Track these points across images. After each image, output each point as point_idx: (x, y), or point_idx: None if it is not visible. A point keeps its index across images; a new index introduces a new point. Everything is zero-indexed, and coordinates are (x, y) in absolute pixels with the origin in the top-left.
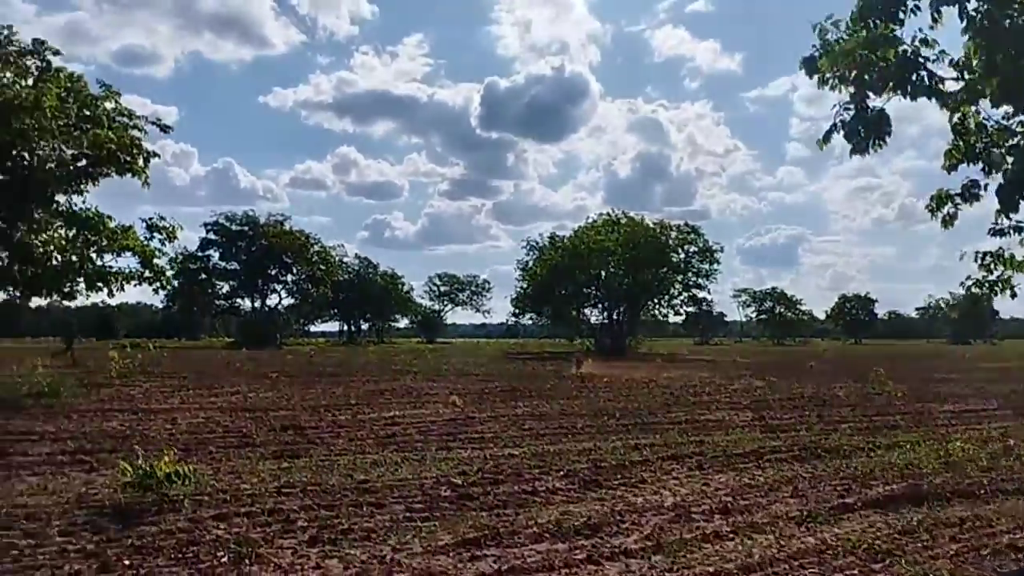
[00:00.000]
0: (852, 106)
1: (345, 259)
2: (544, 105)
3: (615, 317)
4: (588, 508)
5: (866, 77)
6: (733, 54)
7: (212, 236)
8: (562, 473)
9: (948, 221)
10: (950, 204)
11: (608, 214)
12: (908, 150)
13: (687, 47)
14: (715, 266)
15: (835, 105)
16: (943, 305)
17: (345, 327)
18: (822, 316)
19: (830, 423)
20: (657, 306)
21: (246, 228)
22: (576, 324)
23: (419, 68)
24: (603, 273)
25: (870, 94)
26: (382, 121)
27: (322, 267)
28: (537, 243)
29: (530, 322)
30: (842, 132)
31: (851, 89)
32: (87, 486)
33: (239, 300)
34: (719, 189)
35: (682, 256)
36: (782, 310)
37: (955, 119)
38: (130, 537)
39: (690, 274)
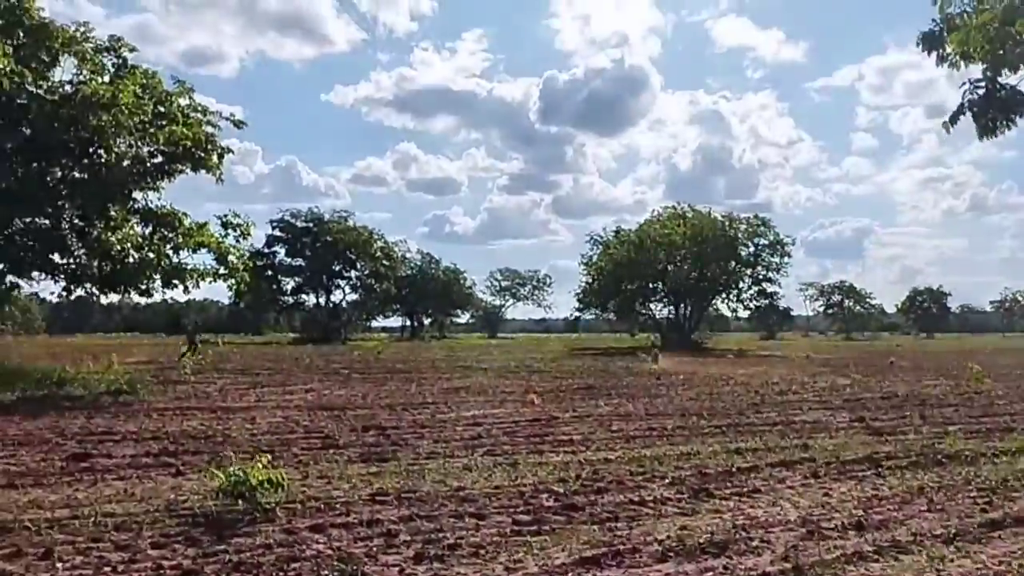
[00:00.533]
0: (983, 84)
1: (408, 254)
2: (603, 98)
3: (681, 312)
4: (706, 522)
5: (1001, 52)
6: (797, 43)
7: (278, 233)
8: (667, 481)
9: None
10: None
11: (673, 207)
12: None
13: (750, 36)
14: (786, 259)
15: (964, 83)
16: (1020, 299)
17: (407, 322)
18: (891, 310)
19: (936, 425)
20: (726, 300)
21: (311, 225)
22: (640, 319)
23: (478, 63)
24: (669, 267)
25: (1004, 71)
26: (441, 117)
27: (385, 263)
28: (601, 237)
29: (592, 317)
30: (970, 113)
31: (982, 66)
32: (175, 492)
33: (304, 296)
34: (783, 181)
35: (751, 249)
36: (851, 304)
37: None
38: (227, 551)
39: (759, 268)
